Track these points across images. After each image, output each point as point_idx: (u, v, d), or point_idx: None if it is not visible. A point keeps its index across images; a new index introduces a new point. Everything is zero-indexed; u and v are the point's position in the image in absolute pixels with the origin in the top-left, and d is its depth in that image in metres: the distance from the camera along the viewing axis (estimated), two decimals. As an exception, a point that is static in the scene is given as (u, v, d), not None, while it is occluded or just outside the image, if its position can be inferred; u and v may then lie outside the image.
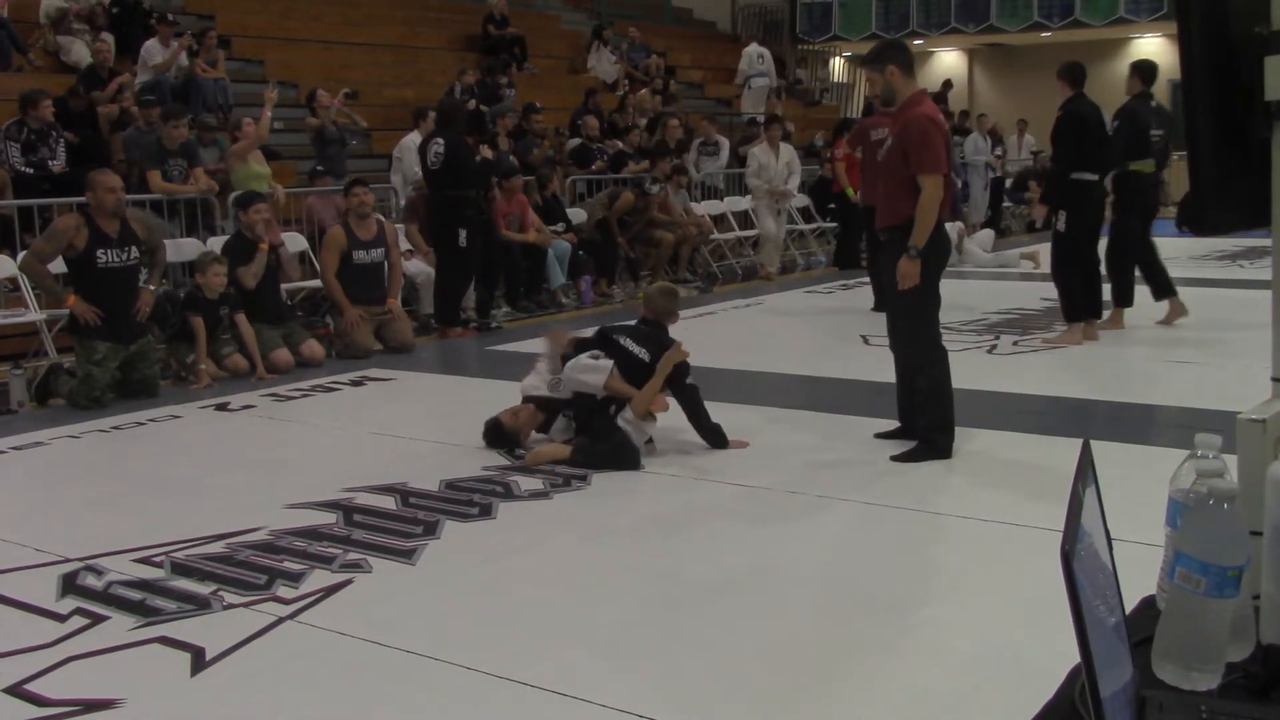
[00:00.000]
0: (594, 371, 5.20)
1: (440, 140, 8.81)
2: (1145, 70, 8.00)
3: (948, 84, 20.25)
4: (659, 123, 13.71)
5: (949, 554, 4.05)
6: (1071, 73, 7.63)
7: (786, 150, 12.20)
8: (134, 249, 6.82)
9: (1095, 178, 7.57)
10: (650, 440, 5.27)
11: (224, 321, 7.25)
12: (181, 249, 8.44)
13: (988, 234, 13.70)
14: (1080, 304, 7.82)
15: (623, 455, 5.06)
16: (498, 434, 5.45)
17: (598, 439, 5.14)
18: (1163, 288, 8.29)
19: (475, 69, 13.42)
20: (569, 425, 5.40)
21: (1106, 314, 8.12)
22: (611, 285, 11.08)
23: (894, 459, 5.06)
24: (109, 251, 6.70)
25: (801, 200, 13.80)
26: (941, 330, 5.21)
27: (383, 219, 8.78)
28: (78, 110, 9.55)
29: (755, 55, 17.50)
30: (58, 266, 6.92)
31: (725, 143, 14.10)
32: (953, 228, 6.77)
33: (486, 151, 9.48)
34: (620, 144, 12.88)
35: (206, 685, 3.07)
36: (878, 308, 9.90)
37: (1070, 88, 7.57)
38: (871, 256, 10.89)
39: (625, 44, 17.25)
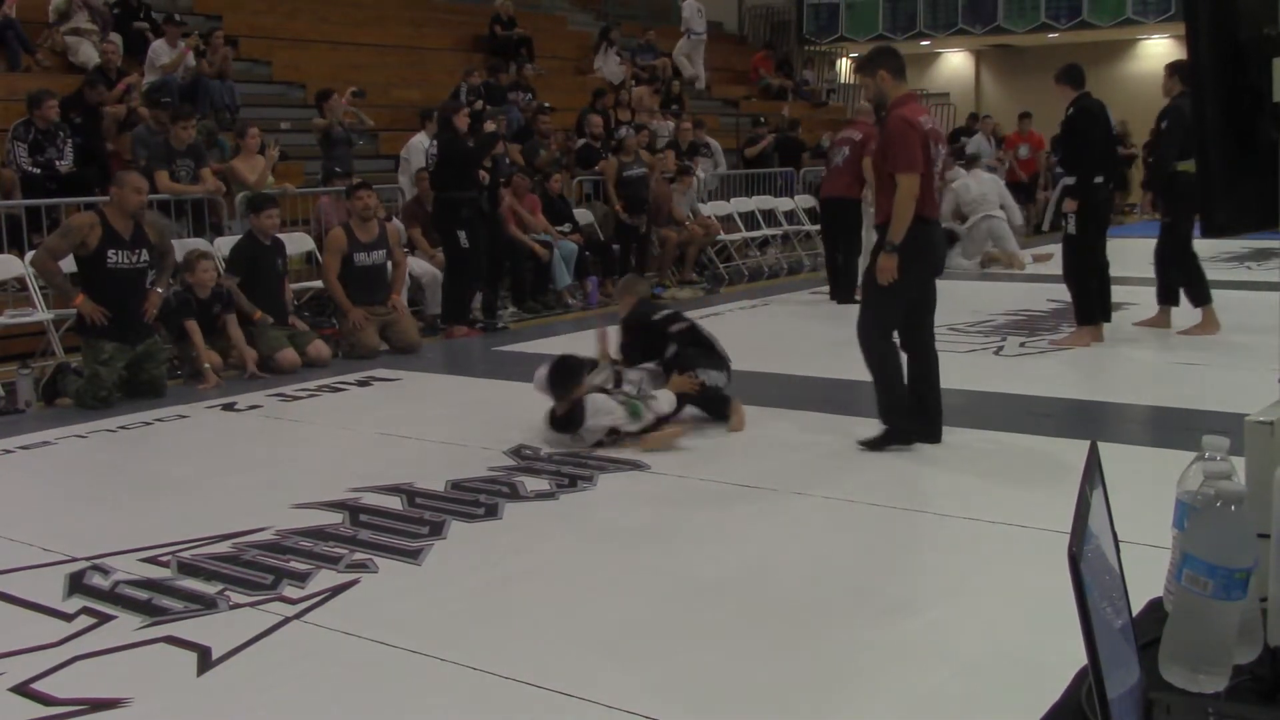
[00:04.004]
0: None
1: (433, 143, 8.91)
2: (1185, 70, 7.93)
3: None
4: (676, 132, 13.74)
5: (955, 555, 4.04)
6: (1071, 75, 7.61)
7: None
8: (144, 251, 6.83)
9: (1101, 179, 7.53)
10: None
11: (218, 322, 7.25)
12: (188, 249, 8.44)
13: None
14: (1094, 306, 7.79)
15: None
16: (571, 376, 5.48)
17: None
18: (1201, 295, 8.07)
19: (482, 70, 13.43)
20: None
21: (1153, 312, 8.11)
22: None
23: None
24: (120, 252, 6.71)
25: (808, 201, 13.79)
26: (934, 332, 5.34)
27: (389, 219, 8.78)
28: (96, 102, 9.57)
29: (695, 9, 18.14)
30: (67, 265, 6.94)
31: (716, 146, 14.02)
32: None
33: (491, 126, 9.44)
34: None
35: (213, 685, 3.08)
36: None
37: (1073, 89, 7.54)
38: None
39: (634, 44, 17.24)
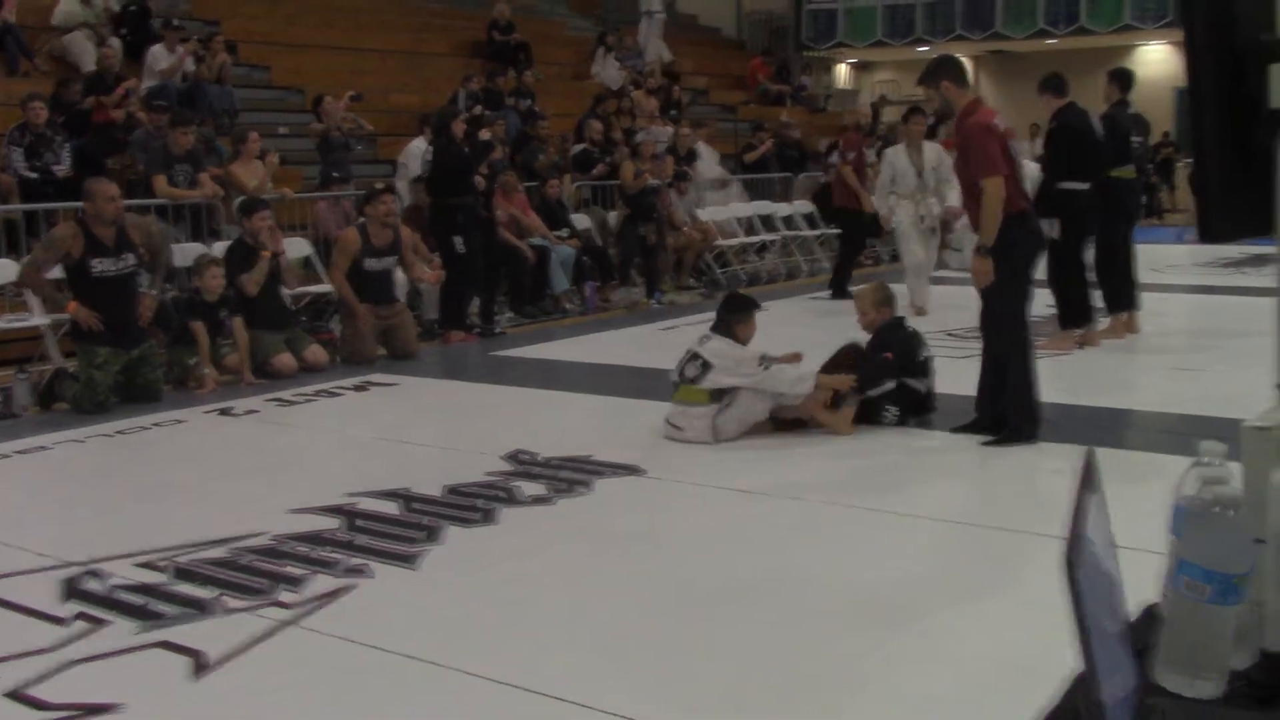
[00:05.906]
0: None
1: (430, 149, 8.94)
2: (1122, 77, 8.02)
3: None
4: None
5: (954, 561, 4.04)
6: (1054, 84, 7.64)
7: (932, 151, 9.90)
8: (130, 256, 6.80)
9: (1086, 186, 7.52)
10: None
11: (224, 325, 7.26)
12: (186, 253, 8.44)
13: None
14: (1074, 311, 7.77)
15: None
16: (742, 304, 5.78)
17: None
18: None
19: (481, 75, 13.44)
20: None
21: (1106, 322, 8.06)
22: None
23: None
24: (104, 260, 6.68)
25: (806, 206, 13.79)
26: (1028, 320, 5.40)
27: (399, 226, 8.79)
28: (69, 101, 9.56)
29: None
30: (57, 273, 6.92)
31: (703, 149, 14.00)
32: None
33: (486, 134, 9.43)
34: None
35: (208, 690, 3.07)
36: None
37: (1056, 98, 7.56)
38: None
39: (619, 47, 17.24)
